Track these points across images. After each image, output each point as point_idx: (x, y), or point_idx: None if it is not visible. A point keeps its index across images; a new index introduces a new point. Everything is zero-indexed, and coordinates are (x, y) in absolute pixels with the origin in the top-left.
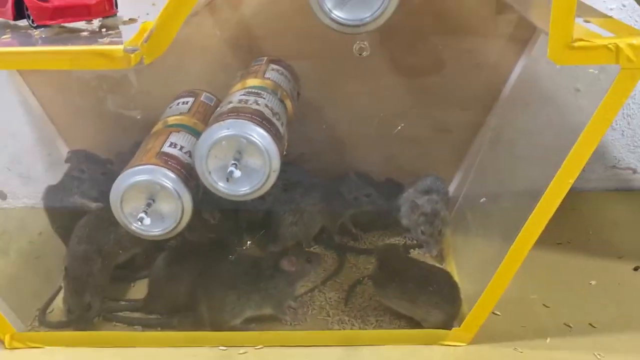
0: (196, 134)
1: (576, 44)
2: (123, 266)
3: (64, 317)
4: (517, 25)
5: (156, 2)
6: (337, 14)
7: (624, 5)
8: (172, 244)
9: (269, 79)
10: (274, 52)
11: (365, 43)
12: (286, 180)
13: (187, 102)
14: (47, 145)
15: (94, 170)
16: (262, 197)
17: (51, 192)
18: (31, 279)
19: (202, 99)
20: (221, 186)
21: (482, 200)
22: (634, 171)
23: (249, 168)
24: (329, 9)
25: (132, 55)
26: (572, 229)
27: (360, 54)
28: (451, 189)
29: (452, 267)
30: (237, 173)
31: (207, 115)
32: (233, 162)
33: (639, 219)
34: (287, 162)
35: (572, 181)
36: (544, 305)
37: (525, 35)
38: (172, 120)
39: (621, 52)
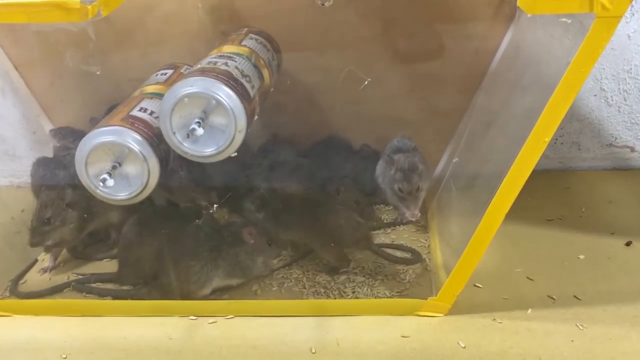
0: None
1: None
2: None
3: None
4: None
5: None
6: None
7: None
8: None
9: (245, 46)
10: (257, 24)
11: None
12: (273, 160)
13: (165, 74)
14: (32, 124)
15: None
16: (247, 175)
17: (41, 166)
18: (7, 253)
19: (182, 70)
20: (186, 147)
21: (454, 160)
22: (632, 149)
23: (215, 128)
24: None
25: (90, 7)
26: (564, 207)
27: (322, 4)
28: (438, 169)
29: (435, 242)
30: (200, 131)
31: None
32: (197, 120)
33: (636, 197)
34: (278, 142)
35: (547, 140)
36: (528, 278)
37: (510, 9)
38: (148, 89)
39: None
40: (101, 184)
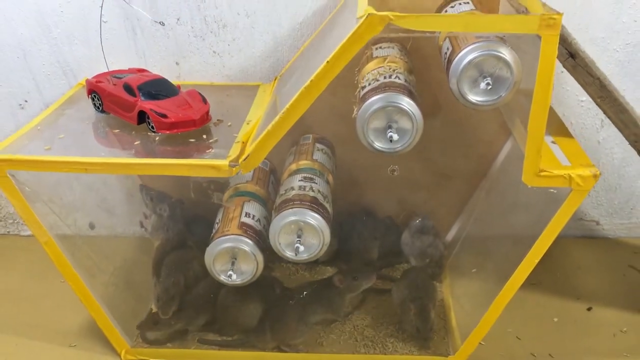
0: (261, 201)
1: (542, 174)
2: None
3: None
4: None
5: (179, 62)
6: (473, 97)
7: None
8: None
9: (316, 160)
10: None
11: (396, 166)
12: None
13: None
14: (130, 188)
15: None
16: None
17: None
18: (128, 300)
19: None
20: (288, 254)
21: (473, 270)
22: (597, 223)
23: (308, 243)
24: (465, 92)
25: (234, 169)
26: (544, 272)
27: (392, 174)
28: (452, 233)
29: (449, 303)
30: (302, 248)
31: (265, 181)
32: (298, 238)
33: (599, 264)
34: None
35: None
36: (517, 337)
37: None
38: (241, 187)
39: (573, 180)
40: (229, 278)
